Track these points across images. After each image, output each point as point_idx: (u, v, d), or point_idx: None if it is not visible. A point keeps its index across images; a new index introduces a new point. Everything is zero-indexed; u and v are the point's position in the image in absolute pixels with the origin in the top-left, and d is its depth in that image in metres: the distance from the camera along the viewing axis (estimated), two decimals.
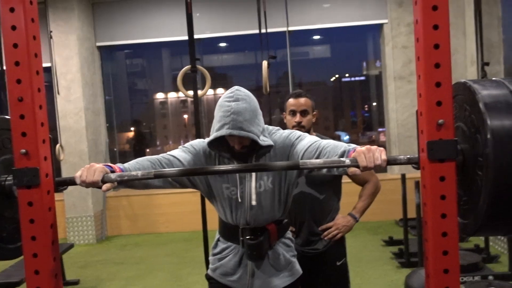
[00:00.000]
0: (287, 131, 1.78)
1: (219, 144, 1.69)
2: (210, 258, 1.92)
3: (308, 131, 2.32)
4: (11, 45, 1.26)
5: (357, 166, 1.27)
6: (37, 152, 1.27)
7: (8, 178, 1.36)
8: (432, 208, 1.18)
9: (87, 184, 1.35)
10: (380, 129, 7.42)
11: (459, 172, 1.24)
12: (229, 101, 1.62)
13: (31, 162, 1.26)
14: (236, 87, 1.69)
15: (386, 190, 6.27)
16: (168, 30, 6.58)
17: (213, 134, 1.62)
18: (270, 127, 1.80)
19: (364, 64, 8.10)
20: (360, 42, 7.90)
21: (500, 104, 1.12)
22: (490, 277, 3.69)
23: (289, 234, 1.90)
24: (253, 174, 1.70)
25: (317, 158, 1.53)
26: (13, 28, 1.26)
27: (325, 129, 8.24)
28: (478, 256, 4.24)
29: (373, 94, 7.74)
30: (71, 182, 1.36)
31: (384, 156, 1.26)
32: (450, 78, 1.15)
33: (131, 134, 8.40)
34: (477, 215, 1.17)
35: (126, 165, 1.53)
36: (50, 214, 1.31)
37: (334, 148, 1.49)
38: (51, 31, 5.25)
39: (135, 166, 1.54)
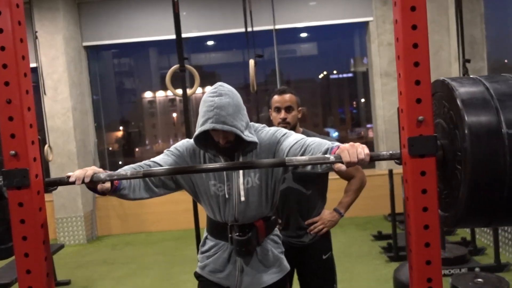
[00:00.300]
0: (273, 129, 1.80)
1: (204, 140, 1.71)
2: (199, 256, 1.94)
3: (294, 127, 2.35)
4: None
5: (341, 162, 1.31)
6: (26, 153, 1.28)
7: None
8: (414, 202, 1.22)
9: (78, 177, 1.39)
10: (368, 126, 7.49)
11: (439, 167, 1.28)
12: (213, 96, 1.65)
13: (20, 163, 1.28)
14: (219, 83, 1.72)
15: (374, 186, 6.35)
16: (155, 29, 6.58)
17: (198, 129, 1.65)
18: (256, 125, 1.82)
19: (352, 61, 8.17)
20: (347, 40, 7.96)
21: (477, 101, 1.16)
22: (477, 269, 3.76)
23: (276, 231, 1.93)
24: (241, 170, 1.72)
25: (302, 155, 1.56)
26: (0, 31, 1.28)
27: (314, 126, 8.30)
28: (464, 249, 4.33)
29: (361, 91, 7.82)
30: (61, 182, 1.38)
31: (366, 151, 1.29)
32: (429, 76, 1.19)
33: (120, 134, 8.38)
34: (457, 208, 1.21)
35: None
36: (40, 214, 1.33)
37: (319, 145, 1.53)
38: (36, 31, 5.22)
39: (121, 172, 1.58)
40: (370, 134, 7.39)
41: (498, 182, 1.13)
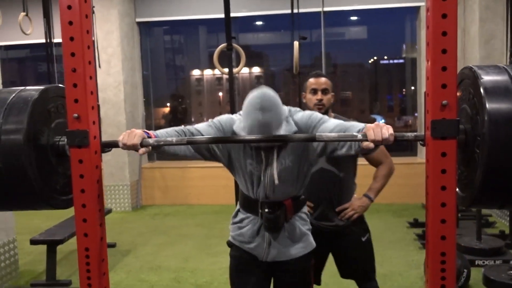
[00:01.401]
0: (307, 112, 1.87)
1: None
2: (230, 226, 2.06)
3: (327, 111, 2.40)
4: (67, 23, 1.45)
5: (367, 141, 1.40)
6: (87, 116, 1.46)
7: (61, 139, 1.56)
8: (433, 180, 1.31)
9: (127, 147, 1.52)
10: (416, 114, 7.38)
11: (461, 150, 1.36)
12: (257, 110, 1.69)
13: (81, 125, 1.46)
14: (262, 90, 1.74)
15: (414, 174, 6.31)
16: (205, 7, 6.72)
17: (243, 136, 1.72)
18: (293, 109, 1.90)
19: (404, 46, 8.00)
20: (398, 24, 7.80)
21: (499, 89, 1.22)
22: None
23: (305, 209, 2.02)
24: (275, 153, 1.81)
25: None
26: (69, 7, 1.45)
27: (360, 112, 8.25)
28: (501, 241, 4.28)
29: (410, 78, 7.68)
30: (115, 144, 1.55)
31: (391, 131, 1.37)
32: (455, 63, 1.25)
33: (166, 110, 8.64)
34: (473, 189, 1.29)
35: (158, 132, 1.71)
36: (96, 171, 1.51)
37: (356, 128, 1.61)
38: (93, 6, 5.47)
39: (165, 134, 1.72)
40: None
41: None
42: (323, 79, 2.42)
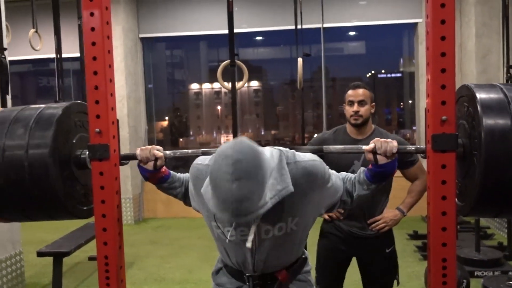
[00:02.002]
0: (308, 167, 1.41)
1: None
2: (213, 285, 1.67)
3: (366, 121, 2.40)
4: (90, 43, 1.55)
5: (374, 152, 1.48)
6: (108, 131, 1.55)
7: (83, 152, 1.65)
8: (434, 191, 1.40)
9: (143, 150, 1.57)
10: (414, 128, 7.48)
11: (460, 162, 1.46)
12: (228, 180, 1.18)
13: (103, 140, 1.55)
14: (234, 146, 1.21)
15: None
16: (207, 23, 6.86)
17: (213, 212, 1.29)
18: (290, 154, 1.43)
19: (401, 60, 8.15)
20: (396, 39, 7.96)
21: (494, 106, 1.33)
22: (511, 273, 3.81)
23: (306, 267, 1.64)
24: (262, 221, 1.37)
25: (352, 189, 1.54)
26: (92, 29, 1.54)
27: None
28: (500, 252, 4.36)
29: (407, 92, 7.79)
30: (133, 157, 1.63)
31: (395, 144, 1.47)
32: (454, 82, 1.36)
33: (166, 123, 8.74)
34: (471, 198, 1.39)
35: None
36: (116, 182, 1.59)
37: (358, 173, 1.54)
38: None
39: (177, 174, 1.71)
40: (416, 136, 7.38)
41: (507, 176, 1.29)
42: (360, 91, 2.40)
